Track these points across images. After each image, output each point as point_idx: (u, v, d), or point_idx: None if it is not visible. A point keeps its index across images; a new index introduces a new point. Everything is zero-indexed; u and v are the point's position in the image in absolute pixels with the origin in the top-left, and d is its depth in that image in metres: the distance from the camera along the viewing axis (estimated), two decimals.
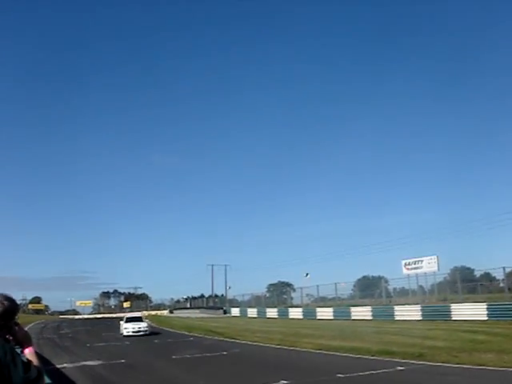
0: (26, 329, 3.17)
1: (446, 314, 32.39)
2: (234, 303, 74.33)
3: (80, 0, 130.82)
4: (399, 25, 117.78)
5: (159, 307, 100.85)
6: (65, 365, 18.41)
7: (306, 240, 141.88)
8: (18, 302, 3.25)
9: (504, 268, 35.35)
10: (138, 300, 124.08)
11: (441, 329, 26.78)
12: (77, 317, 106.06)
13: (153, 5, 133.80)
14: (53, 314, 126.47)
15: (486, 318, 29.57)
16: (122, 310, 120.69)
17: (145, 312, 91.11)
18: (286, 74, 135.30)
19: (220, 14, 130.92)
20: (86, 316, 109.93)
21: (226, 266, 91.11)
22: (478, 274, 46.76)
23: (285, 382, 13.23)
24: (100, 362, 19.18)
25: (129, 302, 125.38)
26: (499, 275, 38.02)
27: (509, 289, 36.20)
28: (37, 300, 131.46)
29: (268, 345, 24.14)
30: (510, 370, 13.61)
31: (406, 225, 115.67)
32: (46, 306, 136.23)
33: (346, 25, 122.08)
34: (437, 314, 33.19)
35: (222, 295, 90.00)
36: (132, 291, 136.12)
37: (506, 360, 14.84)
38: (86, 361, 19.64)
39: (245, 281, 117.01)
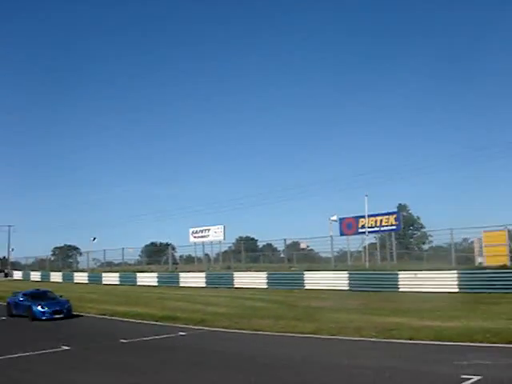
0: None
1: (229, 282, 33.76)
2: (17, 266, 70.85)
3: None
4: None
5: None
6: None
7: (95, 204, 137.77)
8: None
9: (285, 240, 37.94)
10: None
11: (223, 296, 27.83)
12: None
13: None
14: None
15: (266, 286, 31.44)
16: None
17: None
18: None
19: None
20: None
21: (9, 226, 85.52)
22: (261, 244, 49.73)
23: (66, 347, 12.65)
24: None
25: None
26: (280, 246, 40.74)
27: (288, 259, 39.04)
28: None
29: None
30: (283, 334, 14.56)
31: (196, 195, 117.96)
32: None
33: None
34: (220, 282, 34.41)
35: (4, 257, 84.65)
36: None
37: (281, 325, 15.87)
38: None
39: (30, 243, 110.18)
